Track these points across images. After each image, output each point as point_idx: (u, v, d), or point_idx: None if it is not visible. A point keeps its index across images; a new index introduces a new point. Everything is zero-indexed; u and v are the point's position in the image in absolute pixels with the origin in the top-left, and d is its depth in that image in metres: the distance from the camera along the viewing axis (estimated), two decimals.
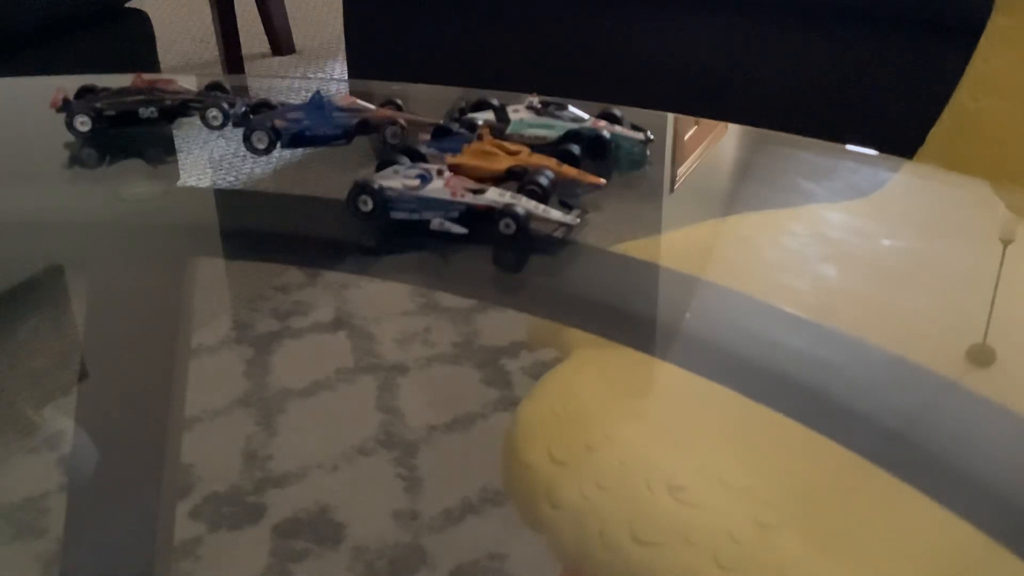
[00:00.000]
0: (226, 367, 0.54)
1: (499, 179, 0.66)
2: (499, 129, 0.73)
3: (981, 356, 0.53)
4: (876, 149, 0.77)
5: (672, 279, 0.61)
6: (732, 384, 0.50)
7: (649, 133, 0.73)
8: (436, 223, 0.63)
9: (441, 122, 0.73)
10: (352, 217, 0.63)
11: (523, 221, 0.61)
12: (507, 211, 0.61)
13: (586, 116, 0.74)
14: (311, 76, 2.64)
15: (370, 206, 0.63)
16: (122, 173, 0.73)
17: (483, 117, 0.75)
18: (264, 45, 2.84)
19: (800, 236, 0.67)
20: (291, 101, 0.77)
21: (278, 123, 0.72)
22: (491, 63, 1.65)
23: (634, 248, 0.64)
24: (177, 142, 0.76)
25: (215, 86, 0.80)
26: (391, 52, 1.75)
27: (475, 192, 0.63)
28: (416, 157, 0.68)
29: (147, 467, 0.46)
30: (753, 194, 0.73)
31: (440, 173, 0.64)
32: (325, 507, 0.43)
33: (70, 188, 0.73)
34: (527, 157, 0.67)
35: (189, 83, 0.81)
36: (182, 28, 2.94)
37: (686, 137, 0.83)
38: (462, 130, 0.72)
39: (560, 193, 0.65)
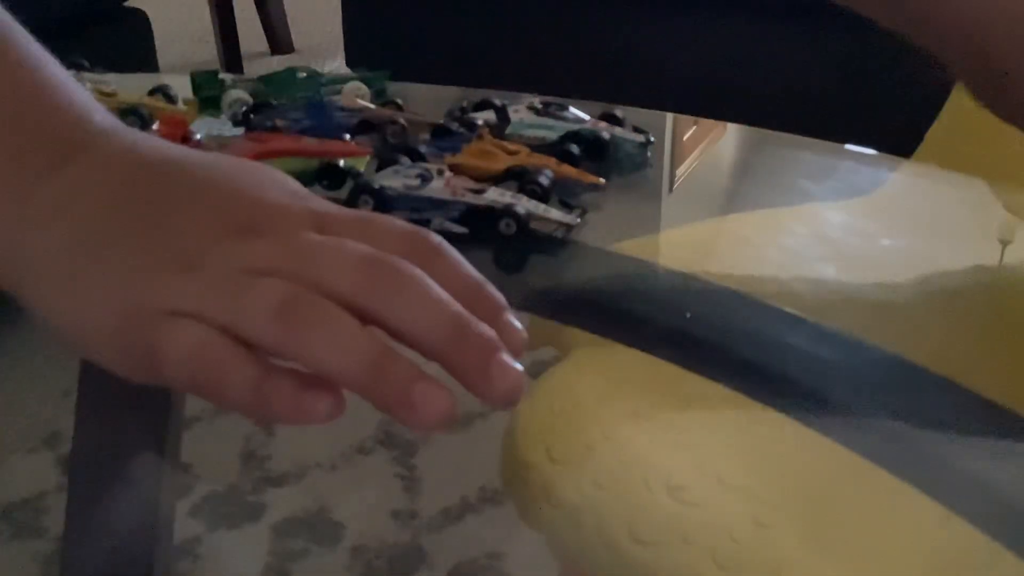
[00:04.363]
0: None
1: (499, 179, 0.66)
2: (499, 129, 0.73)
3: (981, 355, 0.53)
4: (875, 148, 0.78)
5: (672, 279, 0.61)
6: (732, 384, 0.50)
7: (650, 135, 0.73)
8: (436, 223, 0.63)
9: (441, 122, 0.73)
10: None
11: (523, 221, 0.61)
12: (507, 211, 0.61)
13: (586, 117, 0.74)
14: None
15: (370, 206, 0.63)
16: None
17: (483, 117, 0.75)
18: (263, 44, 2.84)
19: (799, 235, 0.67)
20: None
21: (278, 123, 0.72)
22: (491, 63, 1.65)
23: (633, 247, 0.64)
24: None
25: None
26: (390, 51, 1.75)
27: (475, 192, 0.63)
28: (416, 157, 0.68)
29: (147, 467, 0.47)
30: (752, 193, 0.73)
31: (440, 173, 0.64)
32: (324, 506, 0.43)
33: None
34: (527, 157, 0.67)
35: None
36: (181, 27, 2.94)
37: (685, 137, 0.83)
38: (462, 130, 0.72)
39: (560, 193, 0.65)
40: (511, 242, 0.61)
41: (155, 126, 0.70)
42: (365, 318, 0.31)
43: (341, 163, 0.67)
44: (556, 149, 0.69)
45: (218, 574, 0.40)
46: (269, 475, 0.45)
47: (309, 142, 0.68)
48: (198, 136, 0.69)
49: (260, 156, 0.67)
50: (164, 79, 0.82)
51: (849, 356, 0.53)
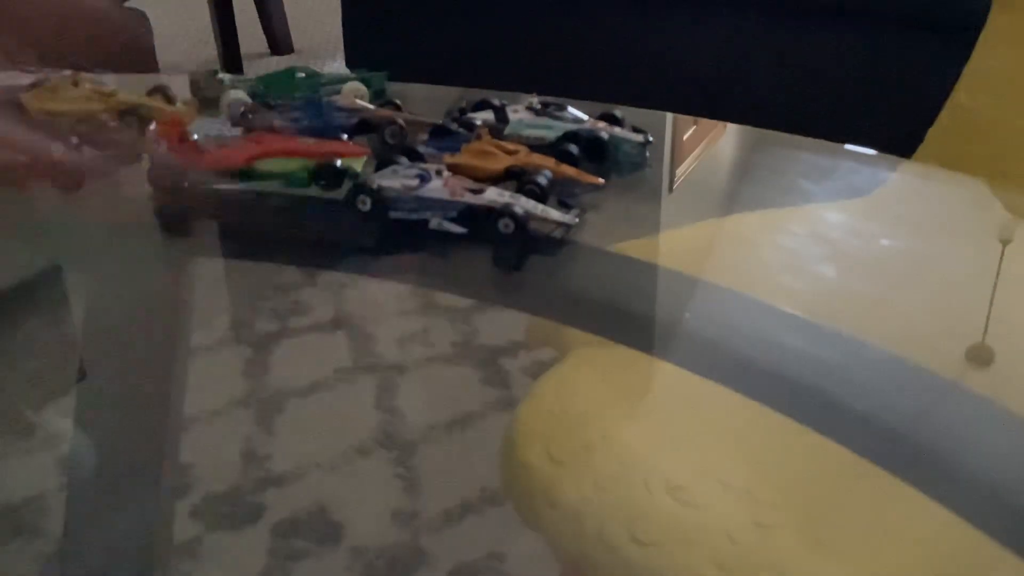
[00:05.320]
0: (225, 367, 0.54)
1: (498, 179, 0.66)
2: (497, 129, 0.73)
3: (981, 356, 0.53)
4: (875, 149, 0.77)
5: (671, 279, 0.61)
6: (732, 384, 0.50)
7: (649, 136, 0.73)
8: (435, 223, 0.63)
9: (440, 122, 0.73)
10: (351, 217, 0.63)
11: (522, 221, 0.61)
12: (506, 211, 0.61)
13: (585, 118, 0.74)
14: None
15: (369, 206, 0.63)
16: (122, 174, 0.73)
17: (482, 117, 0.75)
18: (262, 44, 2.84)
19: (799, 236, 0.67)
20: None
21: (278, 123, 0.72)
22: (491, 63, 1.65)
23: (632, 248, 0.64)
24: None
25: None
26: (390, 51, 1.75)
27: (474, 192, 0.63)
28: (415, 157, 0.68)
29: (147, 467, 0.46)
30: (752, 194, 0.73)
31: (439, 173, 0.64)
32: (324, 507, 0.43)
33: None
34: (526, 157, 0.67)
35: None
36: (180, 27, 2.94)
37: (685, 137, 0.83)
38: (461, 130, 0.72)
39: (559, 193, 0.65)
40: (510, 242, 0.61)
41: (152, 126, 0.70)
42: None
43: (338, 163, 0.67)
44: (555, 149, 0.69)
45: (218, 574, 0.40)
46: (269, 475, 0.45)
47: (306, 142, 0.68)
48: (195, 136, 0.69)
49: (257, 156, 0.67)
50: (164, 79, 0.82)
51: (849, 356, 0.53)
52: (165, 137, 0.67)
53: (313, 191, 0.67)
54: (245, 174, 0.67)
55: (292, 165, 0.67)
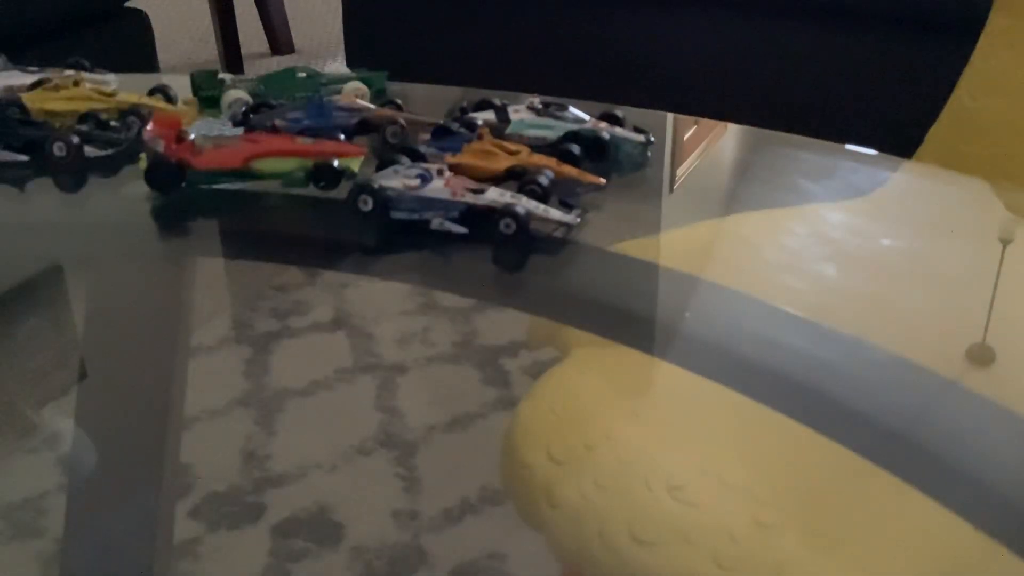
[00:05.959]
0: (225, 367, 0.54)
1: (499, 179, 0.66)
2: (499, 129, 0.73)
3: (981, 356, 0.53)
4: (876, 149, 0.77)
5: (672, 279, 0.61)
6: (732, 384, 0.50)
7: (650, 135, 0.73)
8: (436, 223, 0.63)
9: (441, 122, 0.73)
10: (352, 217, 0.63)
11: (523, 221, 0.61)
12: (507, 211, 0.61)
13: (587, 117, 0.74)
14: None
15: (370, 206, 0.63)
16: (122, 173, 0.73)
17: (483, 117, 0.75)
18: (263, 44, 2.84)
19: (799, 235, 0.67)
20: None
21: (278, 123, 0.72)
22: (492, 63, 1.65)
23: (633, 248, 0.64)
24: None
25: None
26: (390, 51, 1.75)
27: (475, 192, 0.63)
28: (416, 157, 0.68)
29: (147, 467, 0.46)
30: (753, 194, 0.73)
31: (440, 173, 0.64)
32: (324, 507, 0.43)
33: (71, 188, 0.73)
34: (527, 157, 0.67)
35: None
36: (181, 27, 2.94)
37: (686, 137, 0.83)
38: (462, 130, 0.72)
39: (560, 193, 0.65)
40: (511, 242, 0.61)
41: (149, 126, 0.70)
42: None
43: (335, 163, 0.67)
44: (556, 149, 0.69)
45: (218, 574, 0.40)
46: (269, 475, 0.45)
47: (304, 142, 0.68)
48: (192, 136, 0.69)
49: (254, 156, 0.67)
50: (164, 79, 0.82)
51: (849, 356, 0.53)
52: (162, 136, 0.67)
53: (310, 190, 0.67)
54: (242, 174, 0.67)
55: (290, 164, 0.67)
